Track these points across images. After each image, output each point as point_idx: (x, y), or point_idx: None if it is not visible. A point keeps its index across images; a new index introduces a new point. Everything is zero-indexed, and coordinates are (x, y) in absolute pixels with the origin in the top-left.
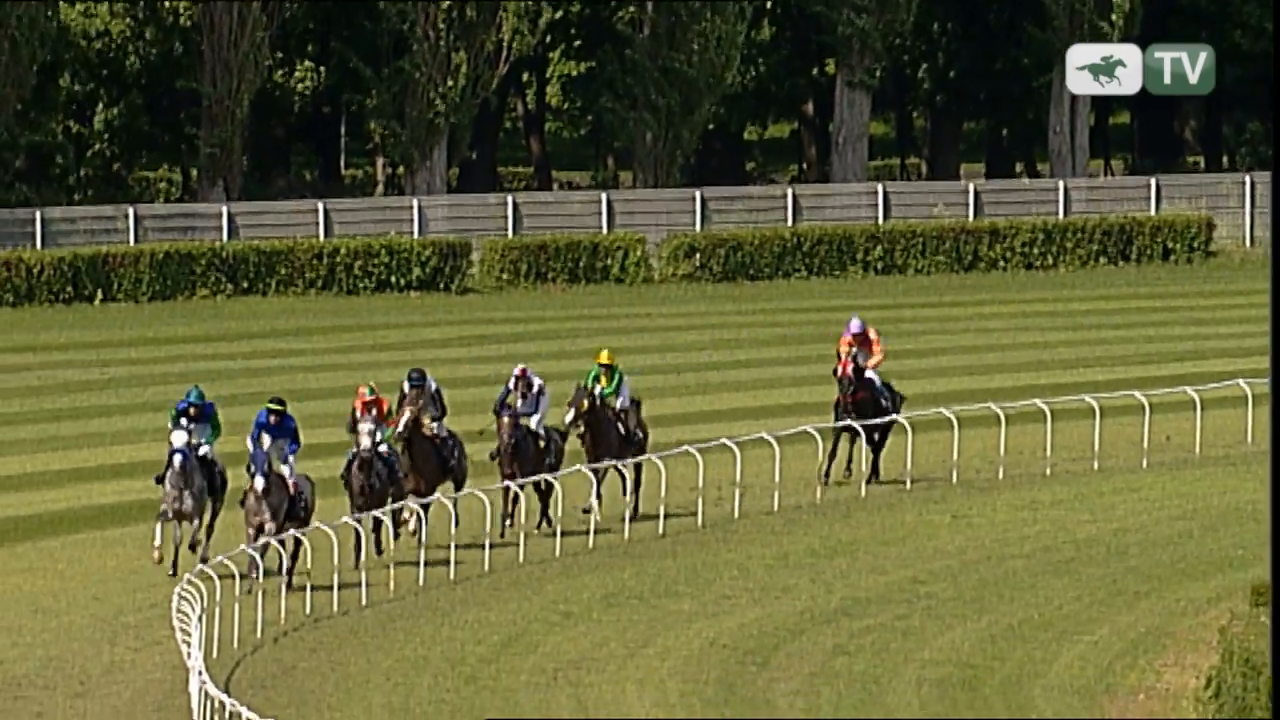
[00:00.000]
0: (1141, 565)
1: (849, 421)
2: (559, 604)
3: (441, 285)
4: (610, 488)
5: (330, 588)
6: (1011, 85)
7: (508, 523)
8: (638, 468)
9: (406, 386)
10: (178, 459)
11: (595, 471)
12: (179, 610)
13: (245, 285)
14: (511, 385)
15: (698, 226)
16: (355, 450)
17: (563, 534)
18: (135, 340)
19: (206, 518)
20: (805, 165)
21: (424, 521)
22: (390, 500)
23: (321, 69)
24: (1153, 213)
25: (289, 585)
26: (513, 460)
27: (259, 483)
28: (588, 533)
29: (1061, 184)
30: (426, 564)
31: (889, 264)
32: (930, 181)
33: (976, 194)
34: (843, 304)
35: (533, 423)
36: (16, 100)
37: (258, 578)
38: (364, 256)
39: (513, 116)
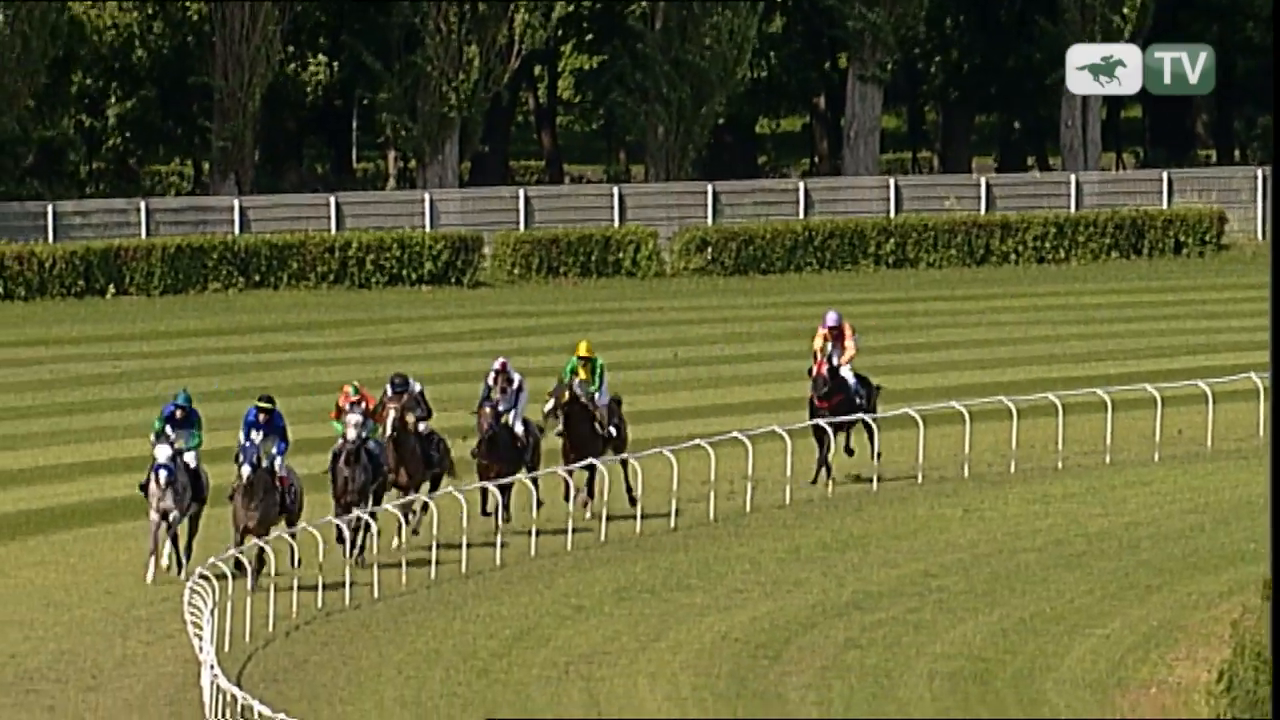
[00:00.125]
0: (1153, 559)
1: (819, 421)
2: (570, 598)
3: (453, 279)
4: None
5: (342, 584)
6: (1023, 79)
7: (486, 515)
8: (624, 464)
9: (389, 391)
10: (163, 474)
11: (571, 471)
12: (191, 604)
13: (257, 279)
14: (491, 380)
15: (709, 220)
16: (341, 442)
17: (573, 529)
18: (147, 334)
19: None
20: (817, 159)
21: (417, 516)
22: (374, 494)
23: (333, 63)
24: (1164, 206)
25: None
26: (488, 452)
27: (246, 471)
28: (599, 524)
29: (1073, 178)
30: (437, 560)
31: (900, 258)
32: (942, 175)
33: (988, 188)
34: (855, 297)
35: (510, 418)
36: (29, 95)
37: (250, 579)
38: (376, 250)
39: (524, 110)
